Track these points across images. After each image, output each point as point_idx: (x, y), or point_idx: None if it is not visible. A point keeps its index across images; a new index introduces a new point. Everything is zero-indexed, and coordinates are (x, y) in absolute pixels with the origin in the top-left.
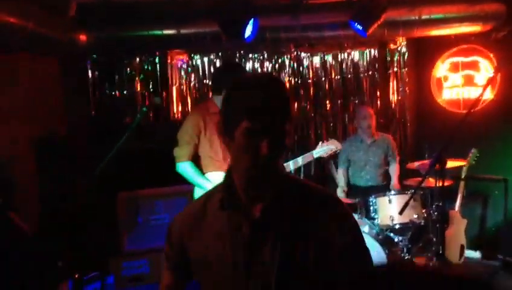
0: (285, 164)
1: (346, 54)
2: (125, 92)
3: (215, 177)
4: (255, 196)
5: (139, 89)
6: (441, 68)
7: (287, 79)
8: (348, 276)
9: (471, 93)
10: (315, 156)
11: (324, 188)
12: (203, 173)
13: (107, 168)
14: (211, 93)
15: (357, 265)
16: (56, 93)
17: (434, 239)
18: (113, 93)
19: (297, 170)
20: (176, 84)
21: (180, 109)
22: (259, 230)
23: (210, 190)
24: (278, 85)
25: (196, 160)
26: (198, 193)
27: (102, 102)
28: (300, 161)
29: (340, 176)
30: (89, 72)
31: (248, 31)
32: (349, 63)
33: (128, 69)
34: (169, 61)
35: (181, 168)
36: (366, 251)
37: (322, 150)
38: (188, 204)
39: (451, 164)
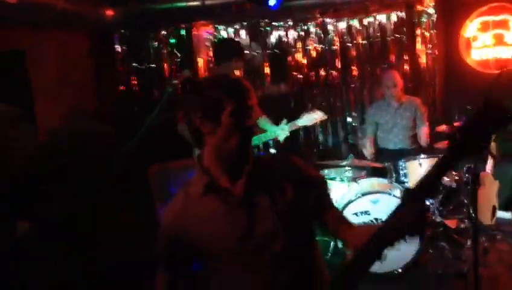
0: (274, 134)
1: (372, 18)
2: (152, 66)
3: None
4: (234, 174)
5: (166, 62)
6: (470, 28)
7: (312, 46)
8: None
9: (501, 52)
10: (299, 124)
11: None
12: None
13: (140, 142)
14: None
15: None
16: (87, 69)
17: (465, 201)
18: (141, 67)
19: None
20: (202, 55)
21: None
22: (247, 203)
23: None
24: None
25: None
26: None
27: (130, 76)
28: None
29: (365, 142)
30: (117, 46)
31: None
32: (376, 27)
33: (155, 42)
34: (194, 32)
35: None
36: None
37: (306, 119)
38: (169, 204)
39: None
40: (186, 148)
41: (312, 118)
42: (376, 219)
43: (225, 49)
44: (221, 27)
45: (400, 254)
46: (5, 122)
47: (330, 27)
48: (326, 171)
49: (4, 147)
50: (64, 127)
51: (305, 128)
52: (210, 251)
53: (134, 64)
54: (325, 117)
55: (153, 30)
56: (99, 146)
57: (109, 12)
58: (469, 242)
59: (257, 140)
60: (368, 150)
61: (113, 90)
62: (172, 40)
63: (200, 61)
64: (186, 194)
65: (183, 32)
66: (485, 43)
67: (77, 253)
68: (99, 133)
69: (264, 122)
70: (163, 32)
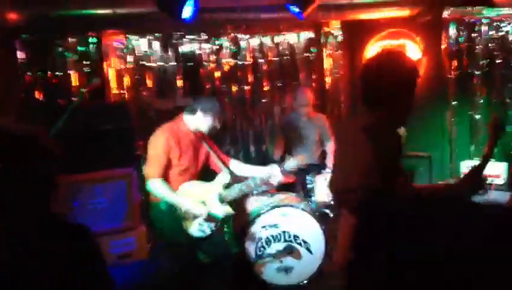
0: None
1: (283, 36)
2: (58, 74)
3: (187, 189)
4: None
5: (73, 70)
6: (371, 51)
7: (224, 60)
8: None
9: None
10: (286, 169)
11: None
12: (174, 190)
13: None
14: (182, 113)
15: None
16: None
17: None
18: (46, 74)
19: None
20: (111, 65)
21: (116, 91)
22: None
23: None
24: None
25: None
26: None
27: (34, 84)
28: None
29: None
30: (19, 52)
31: (187, 11)
32: (286, 45)
33: (61, 49)
34: (104, 41)
35: (151, 185)
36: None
37: (292, 163)
38: None
39: None
40: (93, 160)
41: (296, 162)
42: (284, 232)
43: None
44: (133, 37)
45: None
46: None
47: (242, 42)
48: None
49: None
50: None
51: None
52: None
53: (38, 72)
54: (307, 161)
55: (60, 37)
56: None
57: (11, 16)
58: None
59: (252, 182)
60: (276, 151)
61: (13, 98)
62: (81, 48)
63: (110, 71)
64: None
65: (92, 40)
66: None
67: None
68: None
69: (242, 167)
70: (71, 39)
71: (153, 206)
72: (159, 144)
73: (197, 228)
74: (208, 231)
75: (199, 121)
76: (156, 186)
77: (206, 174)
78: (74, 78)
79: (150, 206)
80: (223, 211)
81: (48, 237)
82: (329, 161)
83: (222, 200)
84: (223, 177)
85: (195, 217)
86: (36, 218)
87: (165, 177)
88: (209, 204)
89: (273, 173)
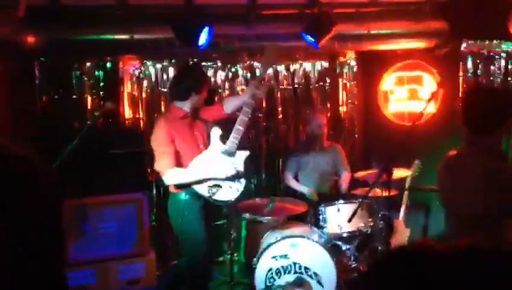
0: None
1: (298, 65)
2: (74, 96)
3: (196, 164)
4: None
5: (89, 94)
6: (388, 82)
7: (239, 88)
8: None
9: (415, 106)
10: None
11: None
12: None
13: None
14: (173, 100)
15: None
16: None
17: (379, 247)
18: (62, 97)
19: None
20: (127, 90)
21: (131, 115)
22: None
23: None
24: None
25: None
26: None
27: (50, 106)
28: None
29: (291, 182)
30: (37, 75)
31: (202, 38)
32: (301, 74)
33: (78, 73)
34: (121, 66)
35: (169, 177)
36: None
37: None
38: None
39: (397, 174)
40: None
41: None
42: (294, 263)
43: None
44: (149, 63)
45: None
46: None
47: (257, 70)
48: (246, 213)
49: None
50: None
51: None
52: None
53: (55, 95)
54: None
55: (77, 61)
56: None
57: (30, 39)
58: None
59: (239, 122)
60: (304, 190)
61: (30, 120)
62: (97, 72)
63: (126, 96)
64: None
65: (109, 64)
66: (400, 97)
67: None
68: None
69: (231, 100)
70: (88, 63)
71: (174, 197)
72: (161, 137)
73: (229, 190)
74: (241, 188)
75: (188, 103)
76: (174, 175)
77: None
78: (89, 102)
79: (170, 198)
80: (234, 162)
81: None
82: (343, 188)
83: (229, 154)
84: (215, 131)
85: (223, 181)
86: None
87: (177, 165)
88: (222, 162)
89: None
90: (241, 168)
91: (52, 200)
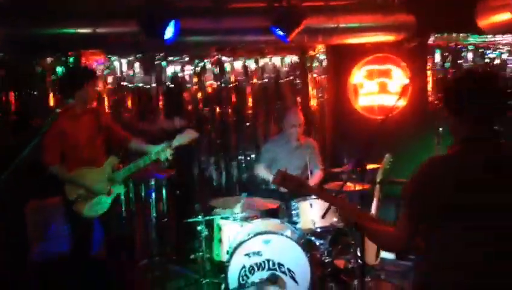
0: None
1: (267, 59)
2: (34, 93)
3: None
4: None
5: (50, 90)
6: (357, 75)
7: (208, 83)
8: None
9: (385, 100)
10: (175, 144)
11: None
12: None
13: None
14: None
15: None
16: None
17: (352, 242)
18: (22, 94)
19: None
20: None
21: None
22: None
23: None
24: None
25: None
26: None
27: (11, 103)
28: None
29: (263, 171)
30: None
31: (169, 32)
32: (270, 69)
33: (39, 68)
34: (83, 61)
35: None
36: None
37: (180, 139)
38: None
39: (369, 166)
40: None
41: (185, 137)
42: (268, 260)
43: (73, 78)
44: (113, 58)
45: None
46: None
47: (226, 65)
48: (218, 210)
49: None
50: None
51: (199, 164)
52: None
53: (14, 90)
54: (197, 135)
55: (37, 56)
56: None
57: None
58: (356, 282)
59: (142, 162)
60: (268, 177)
61: None
62: (59, 68)
63: None
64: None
65: (71, 60)
66: (370, 90)
67: None
68: None
69: (139, 144)
70: (49, 58)
71: None
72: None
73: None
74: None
75: None
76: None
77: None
78: (51, 99)
79: None
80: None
81: None
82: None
83: (110, 180)
84: (111, 160)
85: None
86: None
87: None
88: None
89: (161, 150)
90: None
91: None
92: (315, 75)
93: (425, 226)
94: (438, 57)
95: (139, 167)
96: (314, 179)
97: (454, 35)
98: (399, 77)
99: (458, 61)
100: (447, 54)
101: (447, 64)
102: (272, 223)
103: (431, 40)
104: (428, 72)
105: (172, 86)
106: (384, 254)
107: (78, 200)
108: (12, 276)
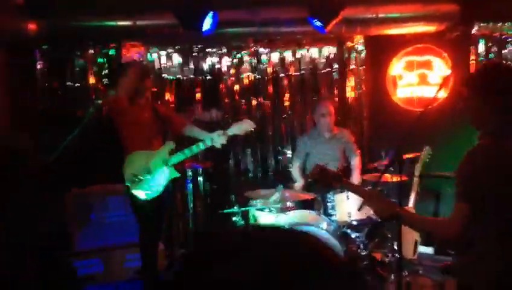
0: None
1: (304, 51)
2: (77, 85)
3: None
4: None
5: (91, 81)
6: (396, 67)
7: (245, 74)
8: None
9: (425, 91)
10: (230, 134)
11: None
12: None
13: (57, 163)
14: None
15: None
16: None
17: (389, 235)
18: (65, 85)
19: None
20: None
21: None
22: None
23: None
24: None
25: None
26: None
27: (52, 94)
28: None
29: (295, 171)
30: (38, 63)
31: (206, 24)
32: (307, 60)
33: (81, 60)
34: (124, 53)
35: None
36: None
37: (236, 128)
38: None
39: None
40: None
41: (242, 127)
42: None
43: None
44: (153, 49)
45: None
46: None
47: (263, 57)
48: (254, 201)
49: None
50: None
51: (235, 156)
52: None
53: (56, 82)
54: (254, 126)
55: (79, 48)
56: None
57: (32, 26)
58: (392, 276)
59: (196, 148)
60: (297, 184)
61: (31, 108)
62: (100, 60)
63: None
64: None
65: (112, 52)
66: (409, 82)
67: None
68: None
69: (195, 130)
70: (91, 50)
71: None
72: None
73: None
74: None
75: None
76: None
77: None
78: (92, 90)
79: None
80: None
81: None
82: (355, 178)
83: (166, 164)
84: (168, 144)
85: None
86: None
87: None
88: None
89: (215, 137)
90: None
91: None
92: (353, 67)
93: (483, 215)
94: (481, 47)
95: (193, 153)
96: (355, 169)
97: (499, 24)
98: (440, 68)
99: (503, 52)
100: (491, 44)
101: (491, 55)
102: (308, 215)
103: (475, 30)
104: (471, 63)
105: (210, 77)
106: (422, 249)
107: (133, 182)
108: (13, 276)
